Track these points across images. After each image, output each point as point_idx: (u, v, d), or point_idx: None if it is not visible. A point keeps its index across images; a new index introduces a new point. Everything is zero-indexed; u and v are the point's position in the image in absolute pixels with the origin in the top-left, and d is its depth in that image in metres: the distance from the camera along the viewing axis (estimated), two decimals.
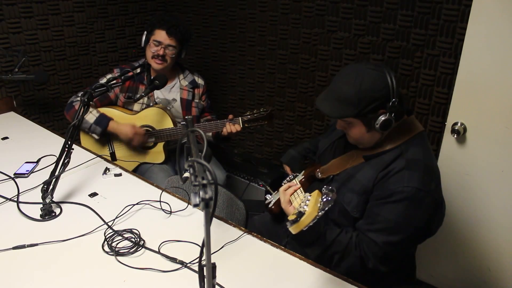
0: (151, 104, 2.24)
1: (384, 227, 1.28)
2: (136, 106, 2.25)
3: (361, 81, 1.26)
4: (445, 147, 1.99)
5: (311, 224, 1.02)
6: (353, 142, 1.41)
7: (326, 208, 1.03)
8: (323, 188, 1.08)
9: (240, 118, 2.09)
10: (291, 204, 1.41)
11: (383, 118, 1.28)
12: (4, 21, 2.28)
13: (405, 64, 2.17)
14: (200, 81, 2.38)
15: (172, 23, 2.15)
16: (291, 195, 1.44)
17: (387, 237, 1.27)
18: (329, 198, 1.04)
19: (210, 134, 2.25)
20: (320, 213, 1.02)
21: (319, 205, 1.04)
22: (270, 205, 1.70)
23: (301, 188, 1.44)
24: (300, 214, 1.02)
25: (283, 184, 1.81)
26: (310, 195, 1.10)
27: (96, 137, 2.16)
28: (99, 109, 2.18)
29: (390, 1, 2.13)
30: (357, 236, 1.33)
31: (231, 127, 2.09)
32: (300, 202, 1.10)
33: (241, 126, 2.09)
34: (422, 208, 1.27)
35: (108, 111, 2.18)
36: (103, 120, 2.11)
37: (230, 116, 2.10)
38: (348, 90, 1.27)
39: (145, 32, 2.20)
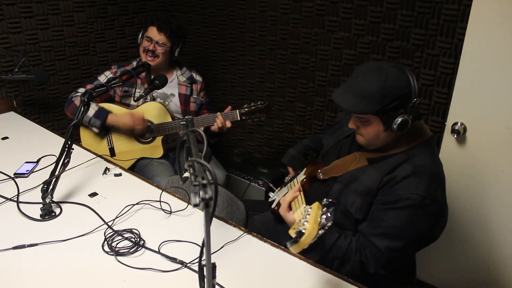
0: (148, 99, 2.25)
1: (387, 232, 1.27)
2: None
3: (385, 77, 1.24)
4: (445, 147, 1.99)
5: (311, 242, 1.01)
6: (364, 142, 1.38)
7: (326, 227, 1.01)
8: (323, 201, 1.07)
9: (237, 110, 2.10)
10: (290, 210, 1.40)
11: (401, 119, 1.26)
12: (4, 21, 2.28)
13: (405, 64, 2.17)
14: (198, 77, 2.39)
15: (163, 20, 2.18)
16: (290, 202, 1.42)
17: (389, 242, 1.27)
18: (329, 215, 1.03)
19: (201, 128, 2.25)
20: (320, 232, 1.01)
21: (319, 220, 1.02)
22: (273, 206, 1.69)
23: (301, 195, 1.42)
24: (300, 234, 1.00)
25: (285, 181, 1.81)
26: (310, 208, 1.08)
27: (96, 130, 2.16)
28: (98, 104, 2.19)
29: (390, 1, 2.13)
30: (358, 240, 1.32)
31: (222, 122, 2.09)
32: (301, 217, 1.08)
33: (239, 118, 2.10)
34: (426, 216, 1.27)
35: (106, 106, 2.20)
36: (102, 113, 2.12)
37: (228, 108, 2.11)
38: (372, 85, 1.25)
39: (142, 31, 2.24)
